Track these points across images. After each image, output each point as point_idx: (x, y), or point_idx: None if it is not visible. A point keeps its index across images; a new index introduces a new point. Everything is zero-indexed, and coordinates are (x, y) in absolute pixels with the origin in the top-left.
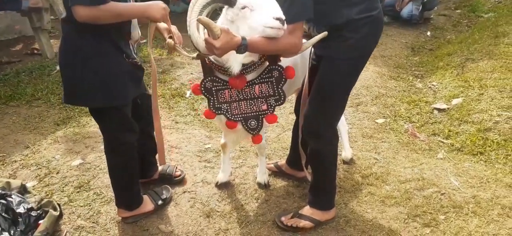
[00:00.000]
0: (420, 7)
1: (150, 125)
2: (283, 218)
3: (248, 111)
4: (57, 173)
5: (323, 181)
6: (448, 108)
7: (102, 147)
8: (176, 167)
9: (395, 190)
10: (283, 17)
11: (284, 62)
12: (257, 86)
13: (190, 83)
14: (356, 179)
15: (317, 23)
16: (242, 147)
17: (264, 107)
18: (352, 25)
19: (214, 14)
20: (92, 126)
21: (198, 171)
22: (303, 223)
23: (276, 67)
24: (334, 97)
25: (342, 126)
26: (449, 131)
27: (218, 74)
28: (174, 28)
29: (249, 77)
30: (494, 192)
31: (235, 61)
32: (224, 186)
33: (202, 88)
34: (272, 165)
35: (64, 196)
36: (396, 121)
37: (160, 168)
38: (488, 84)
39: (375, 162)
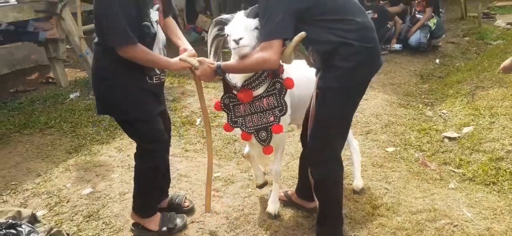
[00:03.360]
0: (428, 35)
1: (167, 151)
2: None
3: (259, 123)
4: (67, 202)
5: (329, 210)
6: (459, 137)
7: (113, 175)
8: (185, 197)
9: (407, 221)
10: (237, 37)
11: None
12: (265, 99)
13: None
14: (367, 209)
15: (311, 47)
16: (251, 176)
17: (272, 118)
18: (342, 53)
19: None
20: (103, 154)
21: None
22: None
23: (278, 79)
24: (331, 126)
25: (355, 155)
26: (460, 160)
27: (234, 91)
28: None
29: (259, 91)
30: (508, 224)
31: (238, 77)
32: (264, 186)
33: (222, 104)
34: (282, 194)
35: (74, 226)
36: (406, 150)
37: (169, 196)
38: (499, 113)
39: (386, 192)
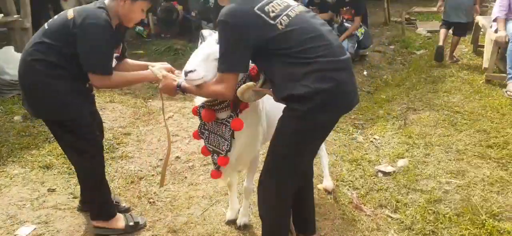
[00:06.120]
0: (355, 45)
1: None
2: None
3: (216, 146)
4: None
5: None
6: (394, 172)
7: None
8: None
9: None
10: (188, 69)
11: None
12: (224, 126)
13: None
14: None
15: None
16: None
17: (224, 147)
18: (295, 95)
19: None
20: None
21: None
22: None
23: (233, 114)
24: (277, 151)
25: (324, 155)
26: (397, 201)
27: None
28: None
29: (222, 115)
30: None
31: (199, 97)
32: (232, 223)
33: (198, 111)
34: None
35: None
36: (338, 188)
37: None
38: (433, 142)
39: None
